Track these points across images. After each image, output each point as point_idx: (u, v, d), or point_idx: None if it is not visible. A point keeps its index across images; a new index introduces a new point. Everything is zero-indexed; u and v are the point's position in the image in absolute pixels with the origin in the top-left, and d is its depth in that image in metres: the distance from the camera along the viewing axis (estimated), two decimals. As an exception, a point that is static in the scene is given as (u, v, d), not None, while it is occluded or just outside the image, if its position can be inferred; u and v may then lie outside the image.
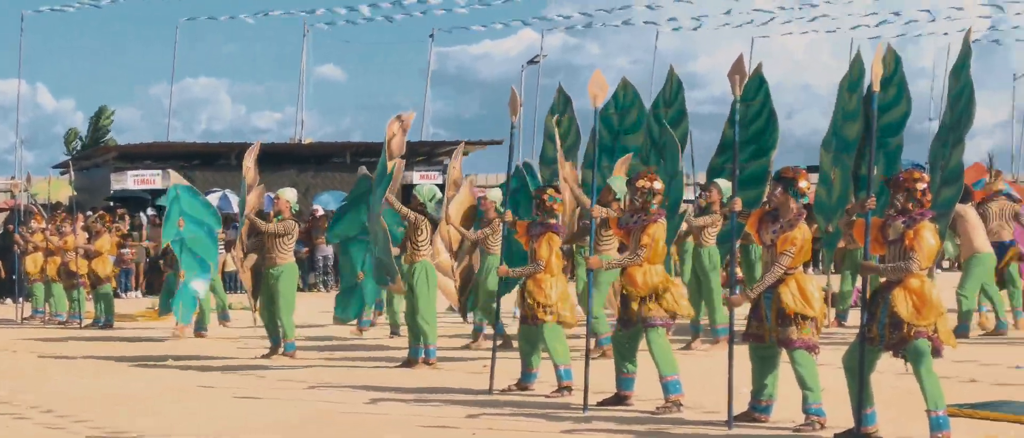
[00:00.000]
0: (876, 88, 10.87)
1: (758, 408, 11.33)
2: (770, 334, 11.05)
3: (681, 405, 12.10)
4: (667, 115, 19.24)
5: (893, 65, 18.05)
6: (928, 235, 10.22)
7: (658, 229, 12.37)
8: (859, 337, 10.45)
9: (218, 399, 13.83)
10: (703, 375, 13.83)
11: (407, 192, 38.45)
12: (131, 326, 23.87)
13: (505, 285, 15.09)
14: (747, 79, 16.88)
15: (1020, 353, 16.00)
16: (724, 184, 17.16)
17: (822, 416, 10.89)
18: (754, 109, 17.76)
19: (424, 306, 16.03)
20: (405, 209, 16.16)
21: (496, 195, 17.96)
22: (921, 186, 10.35)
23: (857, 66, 17.57)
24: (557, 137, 17.29)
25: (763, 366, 11.24)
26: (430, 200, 16.38)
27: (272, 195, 18.09)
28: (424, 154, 43.90)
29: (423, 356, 16.07)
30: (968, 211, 18.26)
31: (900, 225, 10.30)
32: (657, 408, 12.12)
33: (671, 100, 19.32)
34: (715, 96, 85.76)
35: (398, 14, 48.34)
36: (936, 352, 10.17)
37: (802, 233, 10.94)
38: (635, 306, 12.34)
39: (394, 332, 20.18)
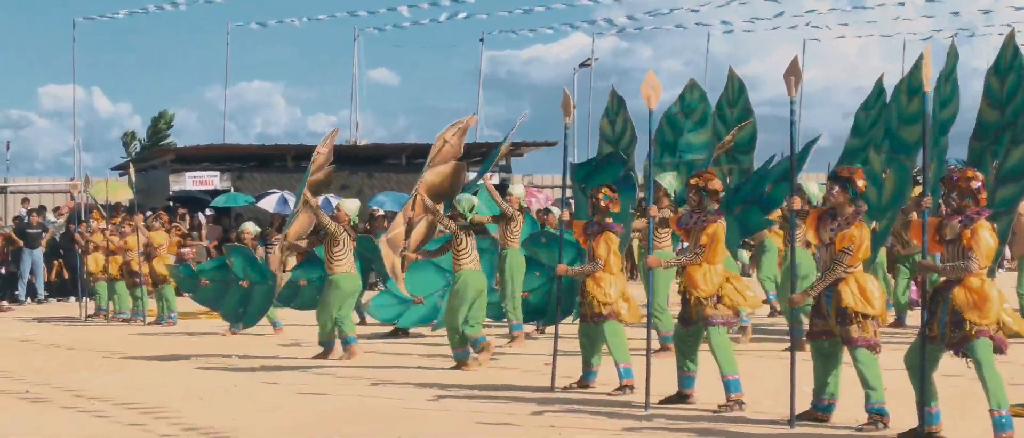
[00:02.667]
0: (927, 88, 10.91)
1: (820, 407, 11.38)
2: (833, 332, 11.12)
3: (743, 404, 12.19)
4: (732, 115, 19.39)
5: (953, 63, 18.05)
6: (985, 234, 10.26)
7: (718, 229, 12.46)
8: (920, 336, 10.52)
9: (282, 395, 14.01)
10: (765, 374, 13.91)
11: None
12: (194, 324, 24.08)
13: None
14: (801, 80, 17.00)
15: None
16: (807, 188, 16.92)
17: (885, 415, 10.94)
18: (872, 117, 17.88)
19: (475, 312, 16.07)
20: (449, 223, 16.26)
21: (519, 191, 18.13)
22: (976, 185, 10.37)
23: (920, 69, 17.56)
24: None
25: (825, 365, 11.30)
26: (470, 211, 16.36)
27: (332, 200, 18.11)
28: (480, 155, 44.02)
29: (472, 356, 16.07)
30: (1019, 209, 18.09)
31: (957, 224, 10.34)
32: (719, 407, 12.22)
33: (734, 100, 19.46)
34: (768, 98, 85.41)
35: (442, 15, 48.60)
36: (998, 350, 10.23)
37: (860, 231, 11.00)
38: (695, 305, 12.46)
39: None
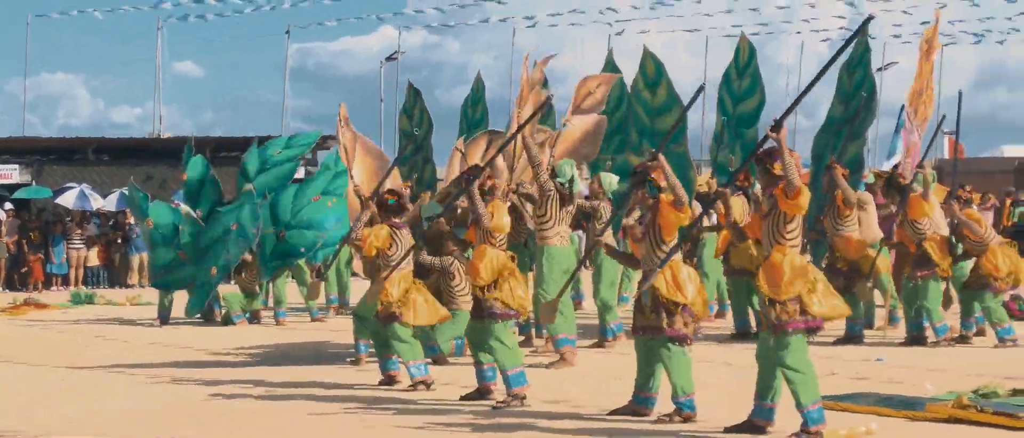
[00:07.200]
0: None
1: (639, 400, 11.44)
2: (652, 326, 11.11)
3: (524, 398, 12.21)
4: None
5: (748, 56, 18.47)
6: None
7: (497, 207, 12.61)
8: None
9: (111, 393, 13.82)
10: (596, 370, 14.03)
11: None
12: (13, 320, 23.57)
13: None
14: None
15: (880, 348, 16.33)
16: (606, 177, 16.81)
17: (687, 409, 11.04)
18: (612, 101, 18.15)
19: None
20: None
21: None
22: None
23: (650, 63, 17.94)
24: None
25: (648, 360, 11.33)
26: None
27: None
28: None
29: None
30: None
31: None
32: (498, 402, 12.28)
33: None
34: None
35: (248, 8, 48.64)
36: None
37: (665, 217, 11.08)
38: (481, 297, 12.45)
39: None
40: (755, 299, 16.80)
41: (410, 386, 13.39)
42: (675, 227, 11.07)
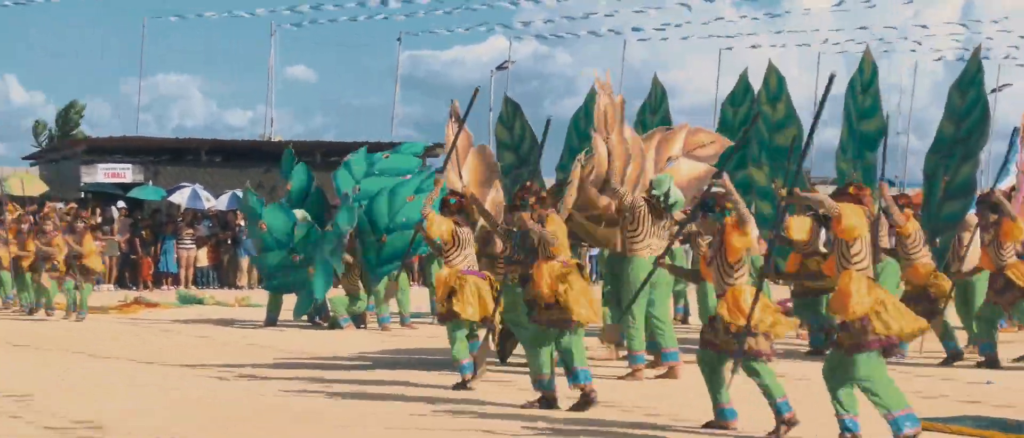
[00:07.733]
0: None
1: (719, 413, 11.27)
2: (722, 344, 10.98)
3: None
4: (653, 122, 19.44)
5: (871, 73, 18.21)
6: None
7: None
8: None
9: (147, 390, 13.90)
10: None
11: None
12: (105, 319, 23.76)
13: None
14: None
15: (987, 371, 16.01)
16: None
17: (788, 411, 10.82)
18: (741, 114, 18.04)
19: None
20: None
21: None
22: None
23: (773, 78, 17.79)
24: None
25: (713, 375, 11.17)
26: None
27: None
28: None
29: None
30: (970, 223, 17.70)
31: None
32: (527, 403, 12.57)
33: (656, 107, 19.57)
34: (684, 107, 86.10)
35: (362, 16, 49.09)
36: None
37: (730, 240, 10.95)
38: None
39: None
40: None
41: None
42: (741, 251, 10.91)
